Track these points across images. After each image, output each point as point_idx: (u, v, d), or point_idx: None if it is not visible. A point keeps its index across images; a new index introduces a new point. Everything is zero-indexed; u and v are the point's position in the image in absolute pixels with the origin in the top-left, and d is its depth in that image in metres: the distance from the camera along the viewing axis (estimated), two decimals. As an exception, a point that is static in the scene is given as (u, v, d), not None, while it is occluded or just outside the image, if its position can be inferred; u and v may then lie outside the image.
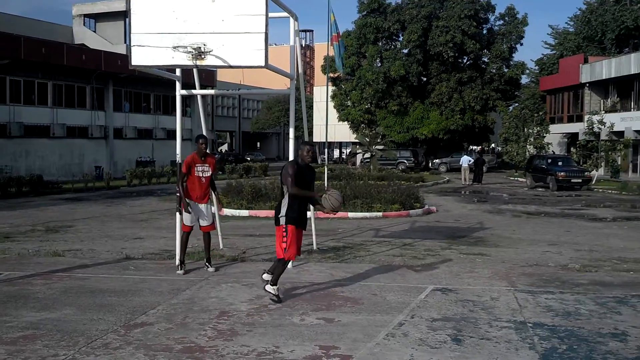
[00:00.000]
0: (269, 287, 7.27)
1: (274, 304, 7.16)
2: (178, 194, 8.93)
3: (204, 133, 10.94)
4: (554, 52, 57.40)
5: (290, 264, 9.38)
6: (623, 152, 33.69)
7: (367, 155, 39.87)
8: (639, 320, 6.62)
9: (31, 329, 6.21)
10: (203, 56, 8.00)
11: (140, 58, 8.24)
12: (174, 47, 8.00)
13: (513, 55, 48.51)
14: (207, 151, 9.13)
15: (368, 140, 39.85)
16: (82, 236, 13.08)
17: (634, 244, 12.45)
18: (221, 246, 11.08)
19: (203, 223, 8.99)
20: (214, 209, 9.27)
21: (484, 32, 48.49)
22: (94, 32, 49.46)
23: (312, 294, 7.71)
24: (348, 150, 66.70)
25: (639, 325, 6.43)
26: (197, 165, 8.85)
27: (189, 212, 8.79)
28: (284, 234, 7.19)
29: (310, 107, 56.77)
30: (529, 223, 16.16)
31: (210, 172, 8.99)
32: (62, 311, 6.88)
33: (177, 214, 9.12)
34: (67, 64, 35.60)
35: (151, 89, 43.72)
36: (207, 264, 9.16)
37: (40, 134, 35.00)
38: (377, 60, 47.26)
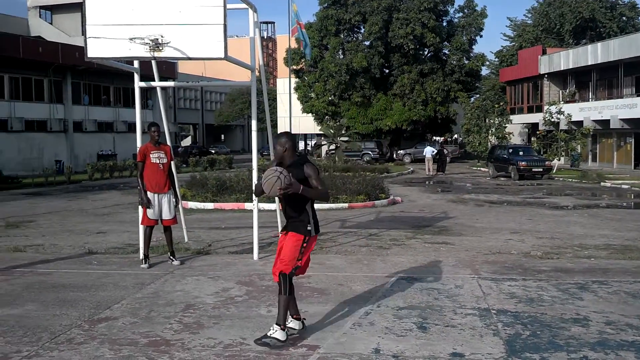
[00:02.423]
0: None
1: None
2: (139, 187, 8.83)
3: (165, 125, 10.81)
4: (513, 44, 58.25)
5: (256, 255, 9.37)
6: (582, 141, 34.38)
7: (332, 146, 39.90)
8: (600, 306, 6.74)
9: (-8, 326, 6.07)
10: (161, 47, 7.86)
11: (96, 50, 8.08)
12: (131, 39, 7.84)
13: (473, 47, 48.87)
14: (162, 140, 9.12)
15: (332, 131, 39.87)
16: (44, 231, 12.82)
17: (594, 231, 12.74)
18: (186, 239, 10.97)
19: (165, 217, 8.88)
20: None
21: (444, 24, 48.74)
22: (50, 24, 48.36)
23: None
24: (313, 142, 66.62)
25: (600, 311, 6.54)
26: (152, 152, 8.73)
27: (150, 208, 8.70)
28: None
29: (274, 99, 56.49)
30: (491, 212, 16.40)
31: (167, 160, 8.88)
32: (24, 307, 6.73)
33: (140, 207, 8.99)
34: (24, 57, 34.80)
35: (110, 81, 42.98)
36: (171, 257, 9.05)
37: (-3, 127, 34.24)
38: (340, 52, 47.25)
